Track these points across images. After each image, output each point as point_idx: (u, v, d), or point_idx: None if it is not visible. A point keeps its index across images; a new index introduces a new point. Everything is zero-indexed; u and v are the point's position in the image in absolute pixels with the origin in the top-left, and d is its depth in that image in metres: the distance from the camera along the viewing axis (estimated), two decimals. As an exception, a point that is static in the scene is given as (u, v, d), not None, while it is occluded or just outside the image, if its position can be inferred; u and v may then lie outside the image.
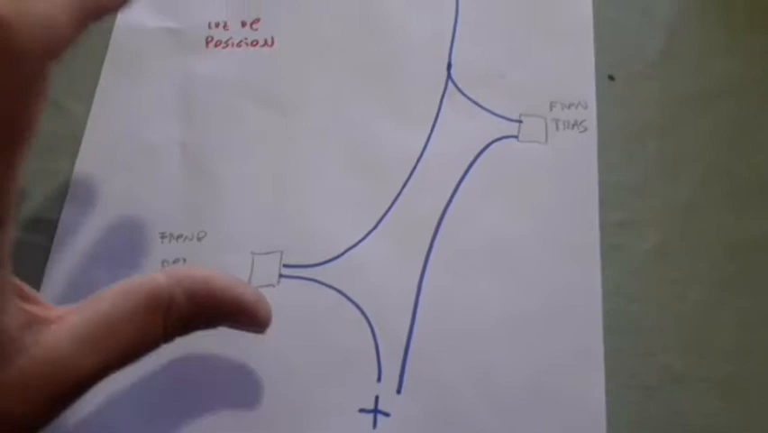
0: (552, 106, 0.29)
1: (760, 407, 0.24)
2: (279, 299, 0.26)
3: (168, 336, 0.21)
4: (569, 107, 0.29)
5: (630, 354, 0.25)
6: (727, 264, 0.26)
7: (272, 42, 0.31)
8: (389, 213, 0.27)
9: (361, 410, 0.24)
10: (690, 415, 0.24)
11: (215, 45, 0.31)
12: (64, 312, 0.20)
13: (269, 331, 0.25)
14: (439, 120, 0.29)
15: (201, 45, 0.31)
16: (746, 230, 0.27)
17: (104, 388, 0.24)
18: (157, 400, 0.25)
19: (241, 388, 0.25)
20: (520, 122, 0.29)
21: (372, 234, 0.27)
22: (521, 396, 0.24)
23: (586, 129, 0.28)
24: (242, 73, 0.31)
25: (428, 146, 0.29)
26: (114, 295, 0.20)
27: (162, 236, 0.27)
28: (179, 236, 0.27)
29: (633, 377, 0.25)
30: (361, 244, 0.27)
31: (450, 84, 0.30)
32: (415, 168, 0.28)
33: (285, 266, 0.27)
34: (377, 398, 0.24)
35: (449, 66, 0.30)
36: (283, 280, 0.26)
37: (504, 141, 0.28)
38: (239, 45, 0.31)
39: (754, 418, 0.24)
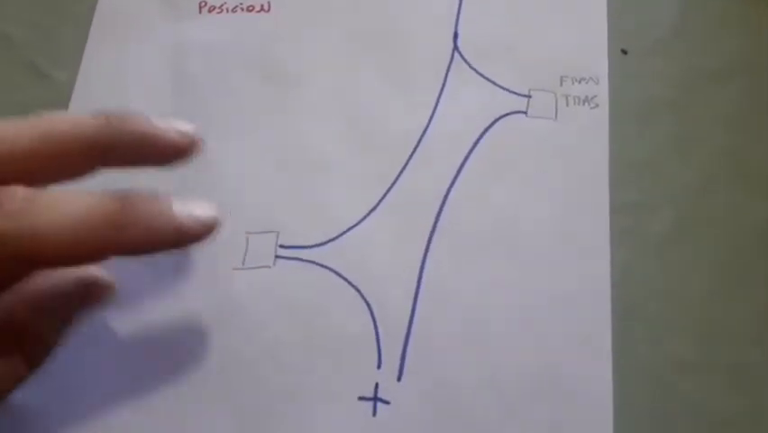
0: (562, 81, 0.28)
1: (771, 396, 0.24)
2: (275, 281, 0.25)
3: None
4: (580, 82, 0.28)
5: (638, 342, 0.24)
6: (741, 248, 0.25)
7: (269, 8, 0.30)
8: (391, 192, 0.26)
9: (361, 398, 0.24)
10: (699, 404, 0.24)
11: (209, 10, 0.30)
12: None
13: (264, 315, 0.25)
14: (444, 93, 0.28)
15: (194, 10, 0.30)
16: (761, 212, 0.26)
17: (98, 384, 0.24)
18: (149, 389, 0.24)
19: (235, 376, 0.24)
20: (529, 97, 0.28)
21: (373, 213, 0.26)
22: (525, 384, 0.23)
23: (597, 105, 0.27)
24: (237, 41, 0.29)
25: (432, 121, 0.27)
26: None
27: (152, 214, 0.26)
28: (170, 214, 0.26)
29: (641, 365, 0.24)
30: (360, 225, 0.26)
31: (456, 55, 0.28)
32: (418, 144, 0.27)
33: (281, 247, 0.26)
34: (376, 385, 0.24)
35: (455, 36, 0.29)
36: (279, 261, 0.25)
37: (512, 116, 0.27)
38: (233, 10, 0.30)
39: (765, 407, 0.23)
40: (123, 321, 0.25)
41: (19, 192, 0.19)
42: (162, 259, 0.25)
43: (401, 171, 0.27)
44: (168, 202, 0.21)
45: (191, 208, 0.21)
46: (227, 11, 0.30)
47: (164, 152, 0.22)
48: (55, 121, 0.20)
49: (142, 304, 0.25)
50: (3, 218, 0.18)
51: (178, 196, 0.21)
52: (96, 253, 0.20)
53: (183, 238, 0.21)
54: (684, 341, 0.24)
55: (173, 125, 0.22)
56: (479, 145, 0.27)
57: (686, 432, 0.23)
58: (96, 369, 0.24)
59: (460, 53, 0.29)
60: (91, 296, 0.23)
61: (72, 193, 0.19)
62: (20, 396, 0.23)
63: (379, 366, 0.24)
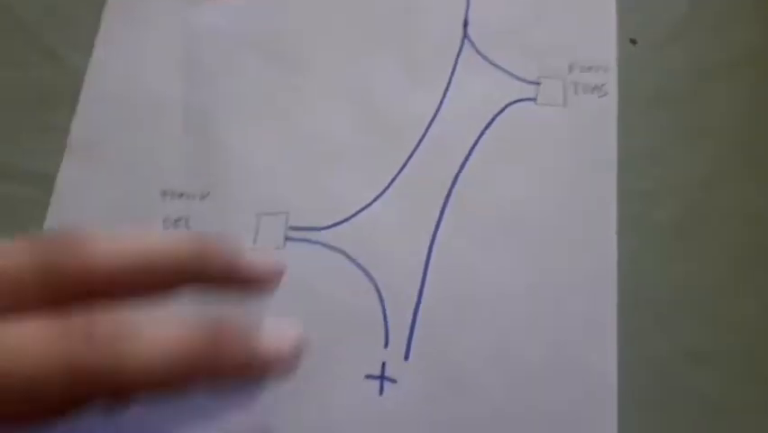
0: (571, 69, 0.28)
1: (776, 383, 0.24)
2: (285, 262, 0.25)
3: None
4: (589, 70, 0.28)
5: (644, 330, 0.24)
6: (747, 237, 0.26)
7: (280, -7, 0.30)
8: (400, 175, 0.27)
9: (368, 376, 0.24)
10: (703, 390, 0.24)
11: (221, -5, 0.30)
12: None
13: (274, 295, 0.25)
14: (454, 80, 0.28)
15: (204, -5, 0.30)
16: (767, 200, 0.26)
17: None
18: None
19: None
20: (538, 84, 0.28)
21: (382, 197, 0.26)
22: (530, 366, 0.24)
23: (606, 93, 0.27)
24: (247, 25, 0.29)
25: (442, 107, 0.28)
26: None
27: (164, 194, 0.26)
28: (182, 195, 0.26)
29: (646, 353, 0.24)
30: (369, 208, 0.26)
31: (466, 42, 0.29)
32: (427, 129, 0.27)
33: (291, 228, 0.26)
34: (384, 364, 0.24)
35: (465, 23, 0.29)
36: (289, 243, 0.26)
37: (521, 103, 0.27)
38: (245, -5, 0.30)
39: (769, 394, 0.24)
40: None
41: (107, 320, 0.17)
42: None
43: (410, 156, 0.27)
44: (257, 335, 0.19)
45: (278, 341, 0.20)
46: (239, -5, 0.30)
47: (248, 286, 0.21)
48: (152, 240, 0.19)
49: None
50: (91, 351, 0.16)
51: (266, 317, 0.20)
52: (178, 387, 0.18)
53: (266, 375, 0.20)
54: (690, 330, 0.24)
55: (260, 259, 0.21)
56: (488, 131, 0.27)
57: (690, 420, 0.23)
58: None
59: (470, 41, 0.29)
60: None
61: (161, 320, 0.18)
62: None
63: (386, 346, 0.24)
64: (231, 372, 0.19)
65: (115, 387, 0.17)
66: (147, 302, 0.19)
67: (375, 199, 0.26)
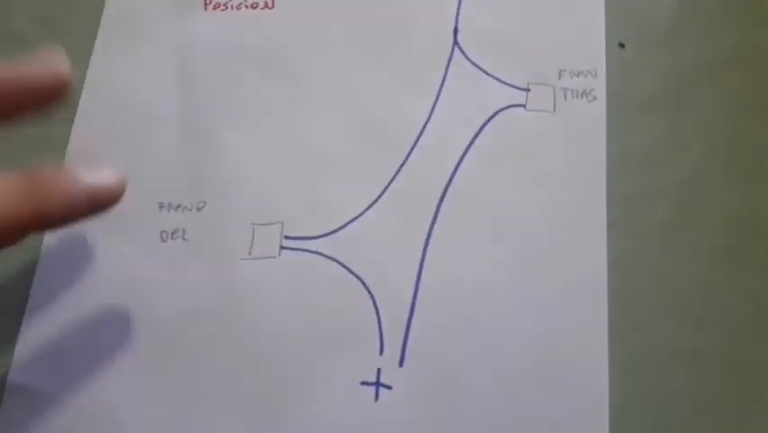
0: (560, 75, 0.28)
1: (765, 382, 0.24)
2: (280, 272, 0.26)
3: None
4: (578, 76, 0.28)
5: (634, 329, 0.25)
6: (735, 238, 0.26)
7: (272, 5, 0.30)
8: (393, 183, 0.27)
9: (363, 383, 0.24)
10: (693, 390, 0.24)
11: (214, 8, 0.31)
12: None
13: (270, 303, 0.25)
14: (444, 87, 0.28)
15: (199, 8, 0.31)
16: (754, 202, 0.26)
17: (107, 367, 0.25)
18: (158, 373, 0.25)
19: (241, 362, 0.25)
20: (528, 90, 0.28)
21: (375, 205, 0.27)
22: (523, 370, 0.24)
23: (595, 98, 0.28)
24: (242, 38, 0.30)
25: (433, 114, 0.28)
26: None
27: (161, 206, 0.27)
28: (178, 206, 0.27)
29: (636, 351, 0.24)
30: (363, 216, 0.27)
31: (456, 50, 0.29)
32: (419, 137, 0.28)
33: (286, 238, 0.26)
34: (379, 371, 0.24)
35: (455, 31, 0.29)
36: (284, 252, 0.26)
37: (511, 109, 0.28)
38: (238, 8, 0.30)
39: (758, 393, 0.24)
40: (133, 309, 0.25)
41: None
42: (171, 249, 0.26)
43: (402, 163, 0.27)
44: (74, 171, 0.21)
45: (98, 174, 0.22)
46: (232, 8, 0.30)
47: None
48: None
49: (151, 294, 0.26)
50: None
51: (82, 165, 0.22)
52: (15, 229, 0.20)
53: (97, 204, 0.22)
54: (679, 328, 0.25)
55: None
56: (478, 138, 0.28)
57: (681, 418, 0.24)
58: (106, 354, 0.25)
59: (460, 48, 0.29)
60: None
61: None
62: (32, 381, 0.24)
63: (381, 352, 0.25)
64: (58, 203, 0.21)
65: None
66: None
67: (368, 208, 0.27)
